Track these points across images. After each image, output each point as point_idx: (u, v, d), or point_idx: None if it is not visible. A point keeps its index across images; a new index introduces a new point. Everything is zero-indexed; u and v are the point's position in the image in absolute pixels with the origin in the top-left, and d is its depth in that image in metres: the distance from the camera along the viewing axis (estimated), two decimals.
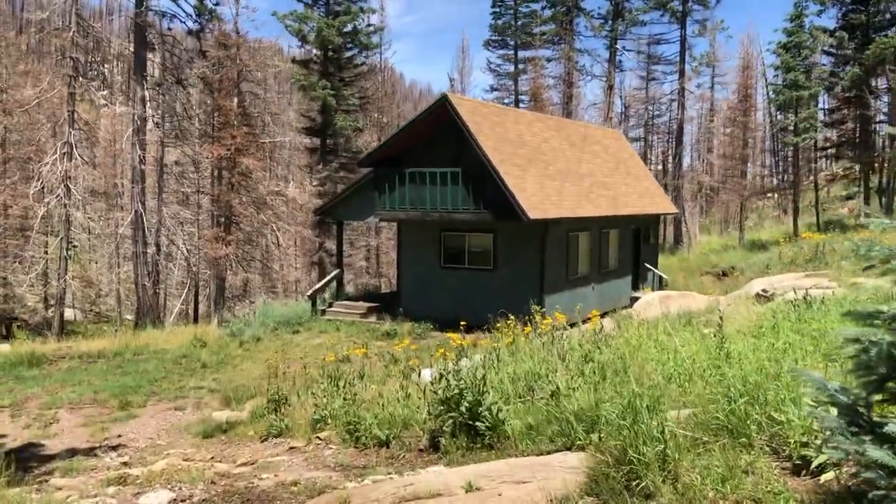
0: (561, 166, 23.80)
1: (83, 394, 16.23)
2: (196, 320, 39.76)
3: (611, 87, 49.80)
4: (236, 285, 38.43)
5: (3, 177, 41.11)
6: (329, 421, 9.92)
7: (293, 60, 34.82)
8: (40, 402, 15.59)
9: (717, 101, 53.50)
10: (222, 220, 35.16)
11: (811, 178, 45.12)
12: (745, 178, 42.84)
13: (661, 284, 28.31)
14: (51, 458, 11.73)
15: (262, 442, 10.92)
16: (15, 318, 48.97)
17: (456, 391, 7.55)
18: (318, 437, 9.70)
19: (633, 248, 27.53)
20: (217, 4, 37.27)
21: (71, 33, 37.96)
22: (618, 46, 50.11)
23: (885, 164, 33.98)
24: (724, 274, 34.56)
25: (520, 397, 8.40)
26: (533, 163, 22.15)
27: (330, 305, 24.53)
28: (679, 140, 46.86)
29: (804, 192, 57.66)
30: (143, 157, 36.61)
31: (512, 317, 20.72)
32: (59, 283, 37.90)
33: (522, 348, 12.44)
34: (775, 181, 56.47)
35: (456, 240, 22.50)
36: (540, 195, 20.98)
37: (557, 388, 7.07)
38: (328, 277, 25.07)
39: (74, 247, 59.22)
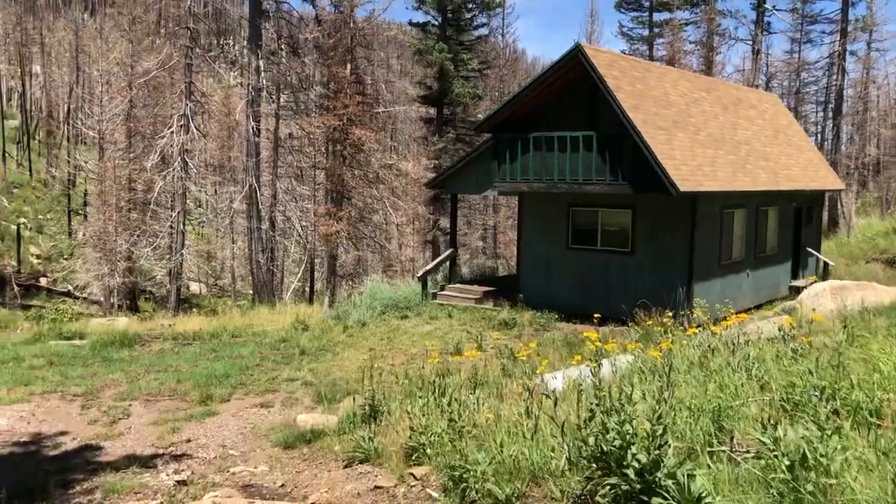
0: (713, 132, 20.33)
1: (165, 382, 14.48)
2: (311, 299, 38.54)
3: (757, 52, 44.90)
4: (348, 263, 36.81)
5: (127, 150, 41.06)
6: (428, 451, 7.43)
7: (409, 23, 32.56)
8: (117, 392, 13.93)
9: (876, 68, 47.59)
10: (334, 195, 33.51)
11: None
12: None
13: (825, 272, 24.28)
14: (103, 467, 9.82)
15: (345, 467, 8.55)
16: (143, 291, 49.74)
17: (617, 442, 4.79)
18: (412, 475, 7.20)
19: (794, 229, 23.63)
20: None
21: (188, 2, 37.19)
22: (766, 6, 45.05)
23: None
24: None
25: (709, 446, 5.56)
26: (680, 127, 18.83)
27: (442, 288, 22.14)
28: (838, 109, 41.58)
29: None
30: (258, 129, 35.43)
31: (655, 308, 17.67)
32: (175, 257, 37.50)
33: (685, 355, 9.46)
34: None
35: (586, 216, 19.51)
36: (690, 164, 17.69)
37: (804, 455, 4.15)
38: (441, 257, 22.67)
39: (200, 222, 59.93)
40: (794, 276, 23.80)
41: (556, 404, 6.59)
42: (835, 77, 42.47)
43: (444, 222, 32.63)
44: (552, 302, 19.22)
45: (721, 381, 7.20)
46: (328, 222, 30.87)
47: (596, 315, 18.38)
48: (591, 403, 5.68)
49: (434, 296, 21.74)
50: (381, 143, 33.71)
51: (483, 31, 35.36)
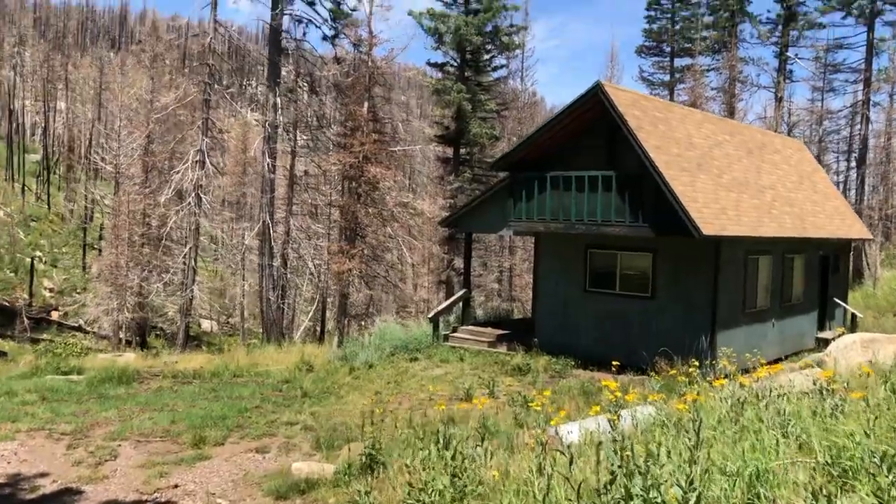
0: (737, 175, 19.66)
1: (158, 423, 13.77)
2: (321, 338, 37.87)
3: (780, 99, 44.41)
4: (359, 303, 36.16)
5: (143, 185, 40.95)
6: None
7: (428, 63, 32.40)
8: (107, 431, 13.23)
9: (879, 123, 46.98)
10: (347, 232, 33.05)
11: None
12: None
13: (853, 324, 23.32)
14: None
15: None
16: (154, 327, 49.27)
17: None
18: None
19: (821, 278, 22.76)
20: (354, 10, 35.58)
21: (208, 39, 37.27)
22: (788, 54, 44.69)
23: None
24: None
25: None
26: (704, 169, 18.19)
27: (455, 330, 21.40)
28: (862, 158, 40.83)
29: None
30: (274, 166, 35.18)
31: (676, 357, 16.84)
32: (185, 293, 37.04)
33: (713, 409, 8.62)
34: None
35: (605, 259, 18.80)
36: (713, 207, 17.00)
37: None
38: (453, 298, 21.97)
39: (214, 258, 59.67)
40: (821, 327, 22.87)
41: (571, 462, 5.83)
42: (859, 126, 41.83)
43: (459, 262, 31.97)
44: (569, 347, 18.42)
45: (755, 439, 6.42)
46: (340, 260, 30.33)
47: (615, 363, 17.60)
48: (612, 464, 4.96)
49: (446, 338, 21.00)
50: (397, 181, 33.32)
51: (502, 72, 35.19)
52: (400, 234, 30.65)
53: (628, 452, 5.06)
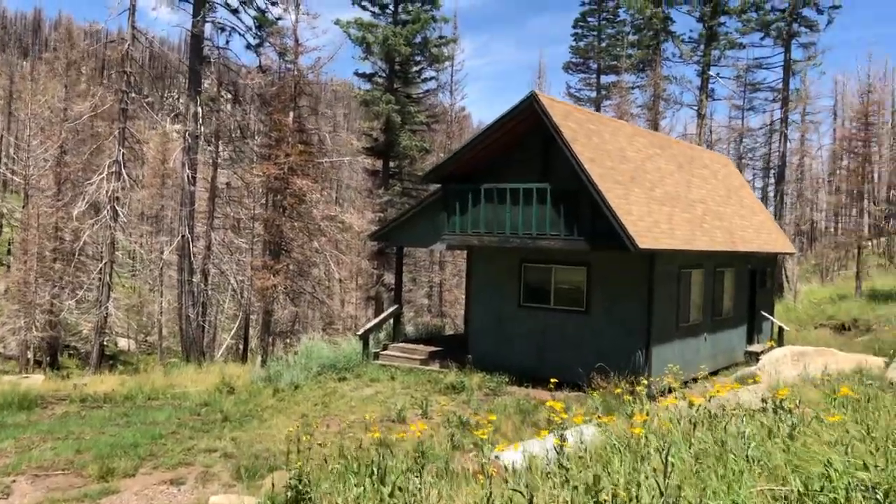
0: (669, 189, 19.60)
1: (61, 453, 12.59)
2: (245, 358, 36.43)
3: (702, 117, 45.31)
4: (284, 320, 34.97)
5: (56, 198, 38.85)
6: None
7: (356, 74, 31.65)
8: (1, 465, 12.00)
9: (810, 139, 48.65)
10: (272, 247, 31.91)
11: None
12: (863, 218, 37.56)
13: (780, 337, 23.56)
14: None
15: None
16: (67, 346, 46.69)
17: None
18: None
19: (749, 292, 22.94)
20: (279, 19, 34.60)
21: (126, 46, 35.64)
22: (710, 73, 45.68)
23: None
24: (845, 328, 29.63)
25: None
26: (637, 182, 18.01)
27: (385, 348, 20.65)
28: (781, 175, 41.93)
29: None
30: (194, 177, 33.77)
31: (612, 372, 16.49)
32: (100, 310, 35.19)
33: (660, 430, 8.09)
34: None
35: (540, 273, 18.40)
36: (648, 221, 16.80)
37: None
38: (384, 314, 21.22)
39: (132, 274, 57.13)
40: (750, 340, 23.03)
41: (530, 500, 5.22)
42: (777, 144, 43.01)
43: (389, 278, 31.24)
44: (503, 364, 17.90)
45: (717, 465, 5.92)
46: (264, 275, 29.18)
47: (552, 379, 17.17)
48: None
49: (376, 356, 20.22)
50: (324, 194, 32.39)
51: (431, 84, 34.70)
52: (327, 249, 29.70)
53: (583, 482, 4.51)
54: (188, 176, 33.02)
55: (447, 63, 35.07)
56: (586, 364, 16.52)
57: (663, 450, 5.92)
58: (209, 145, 35.41)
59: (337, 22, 30.55)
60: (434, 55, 31.66)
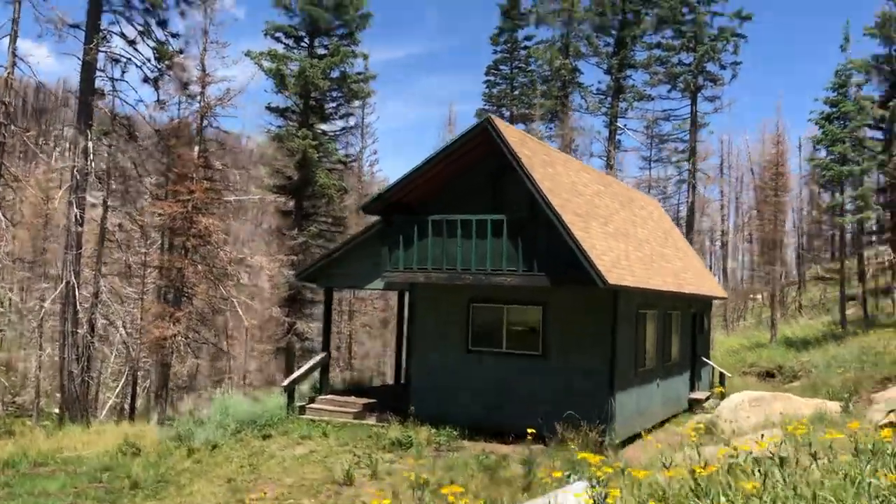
0: (619, 226, 18.60)
1: None
2: (132, 416, 32.88)
3: (611, 167, 45.60)
4: (181, 375, 31.85)
5: None
6: None
7: (267, 108, 29.67)
8: None
9: (700, 194, 49.99)
10: (171, 294, 29.03)
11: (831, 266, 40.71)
12: (779, 266, 38.16)
13: (721, 383, 22.82)
14: None
15: None
16: None
17: None
18: None
19: (691, 337, 22.15)
20: (181, 52, 32.28)
21: (5, 74, 32.37)
22: (618, 124, 46.24)
23: None
24: (770, 374, 29.49)
25: None
26: (592, 217, 16.89)
27: (312, 401, 18.44)
28: (690, 225, 42.44)
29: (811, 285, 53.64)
30: (82, 217, 30.60)
31: (569, 422, 15.00)
32: None
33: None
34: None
35: (490, 314, 16.80)
36: (610, 256, 15.62)
37: None
38: (311, 363, 19.03)
39: (4, 326, 51.73)
40: (691, 387, 22.15)
41: None
42: (686, 194, 43.65)
43: (302, 326, 28.90)
44: (451, 416, 16.09)
45: None
46: (162, 325, 26.30)
47: (507, 431, 15.48)
48: None
49: (302, 409, 17.97)
50: (231, 235, 29.94)
51: (349, 122, 33.09)
52: (234, 295, 27.16)
53: None
54: (76, 216, 29.81)
55: (368, 100, 33.72)
56: (544, 414, 14.96)
57: None
58: (101, 183, 32.32)
59: (248, 53, 28.60)
60: (353, 91, 30.11)
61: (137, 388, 36.28)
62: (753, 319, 55.33)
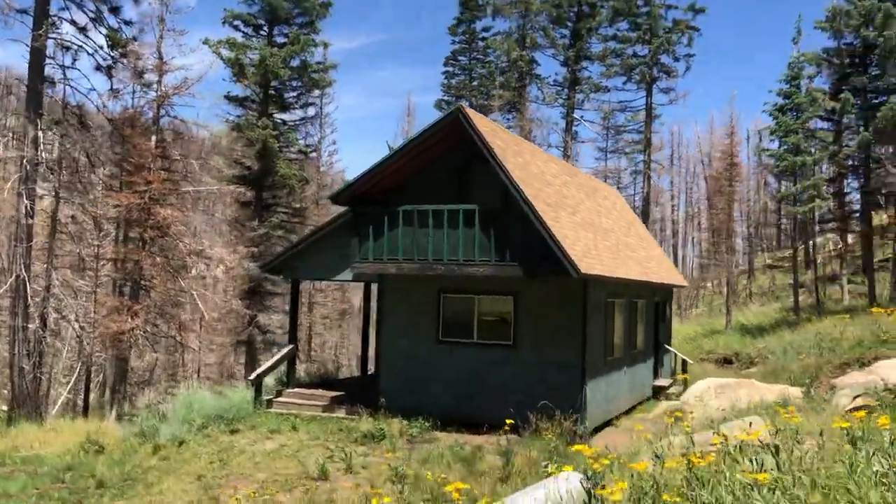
0: (586, 216, 18.70)
1: None
2: (86, 413, 32.05)
3: (567, 158, 45.91)
4: (138, 370, 31.15)
5: None
6: None
7: (226, 97, 29.08)
8: None
9: (655, 184, 50.69)
10: (128, 286, 28.31)
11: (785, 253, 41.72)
12: (732, 255, 38.88)
13: (684, 371, 23.18)
14: None
15: None
16: None
17: None
18: None
19: (654, 325, 22.43)
20: (135, 40, 31.42)
21: None
22: (575, 116, 46.56)
23: None
24: (728, 361, 30.06)
25: None
26: (561, 207, 16.94)
27: (279, 394, 18.19)
28: (646, 215, 42.98)
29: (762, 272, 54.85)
30: (33, 209, 29.65)
31: (543, 412, 15.05)
32: None
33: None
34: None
35: (461, 304, 16.76)
36: (581, 245, 15.70)
37: None
38: (279, 355, 18.75)
39: None
40: (655, 374, 22.44)
41: None
42: (641, 185, 44.17)
43: (263, 319, 28.51)
44: (422, 407, 16.01)
45: None
46: (120, 318, 25.65)
47: (478, 421, 15.49)
48: None
49: (269, 403, 17.72)
50: (190, 227, 29.34)
51: (309, 111, 32.65)
52: (194, 288, 26.62)
53: None
54: (26, 207, 28.88)
55: (328, 89, 33.30)
56: (516, 404, 14.98)
57: None
58: (52, 174, 31.35)
59: (206, 42, 27.97)
60: (313, 80, 29.66)
61: (91, 383, 35.39)
62: (705, 307, 56.41)
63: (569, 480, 9.47)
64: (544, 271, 14.73)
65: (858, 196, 33.10)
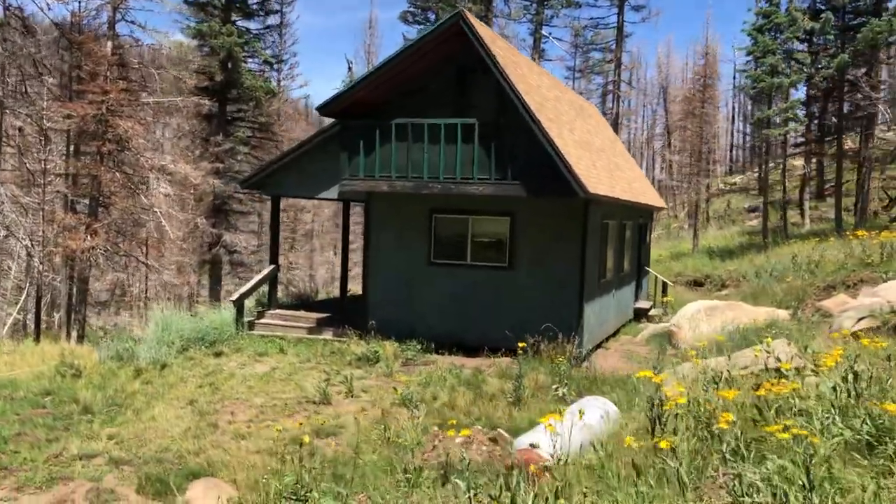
0: (579, 135, 18.02)
1: None
2: (38, 335, 30.83)
3: None
4: (97, 290, 29.93)
5: None
6: None
7: (186, 2, 27.11)
8: None
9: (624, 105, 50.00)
10: (81, 203, 26.85)
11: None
12: (705, 178, 38.78)
13: (664, 293, 23.10)
14: None
15: None
16: None
17: None
18: None
19: (637, 247, 22.17)
20: None
21: None
22: (543, 32, 45.26)
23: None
24: (699, 283, 30.21)
25: None
26: (561, 123, 16.22)
27: (260, 315, 17.47)
28: (616, 134, 42.41)
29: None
30: None
31: (539, 334, 14.67)
32: None
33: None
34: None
35: (454, 225, 16.06)
36: (583, 165, 15.07)
37: None
38: (261, 275, 17.91)
39: None
40: (635, 297, 22.31)
41: None
42: (611, 105, 43.51)
43: (230, 238, 27.47)
44: (412, 329, 15.50)
45: None
46: (77, 236, 24.36)
47: (472, 344, 15.10)
48: None
49: (251, 325, 17.01)
50: (151, 140, 27.77)
51: (273, 20, 30.88)
52: (158, 206, 25.32)
53: None
54: None
55: None
56: (511, 326, 14.64)
57: None
58: None
59: None
60: None
61: (42, 302, 34.01)
62: (662, 230, 56.86)
63: (605, 404, 9.10)
64: (549, 191, 14.11)
65: (834, 120, 32.99)
